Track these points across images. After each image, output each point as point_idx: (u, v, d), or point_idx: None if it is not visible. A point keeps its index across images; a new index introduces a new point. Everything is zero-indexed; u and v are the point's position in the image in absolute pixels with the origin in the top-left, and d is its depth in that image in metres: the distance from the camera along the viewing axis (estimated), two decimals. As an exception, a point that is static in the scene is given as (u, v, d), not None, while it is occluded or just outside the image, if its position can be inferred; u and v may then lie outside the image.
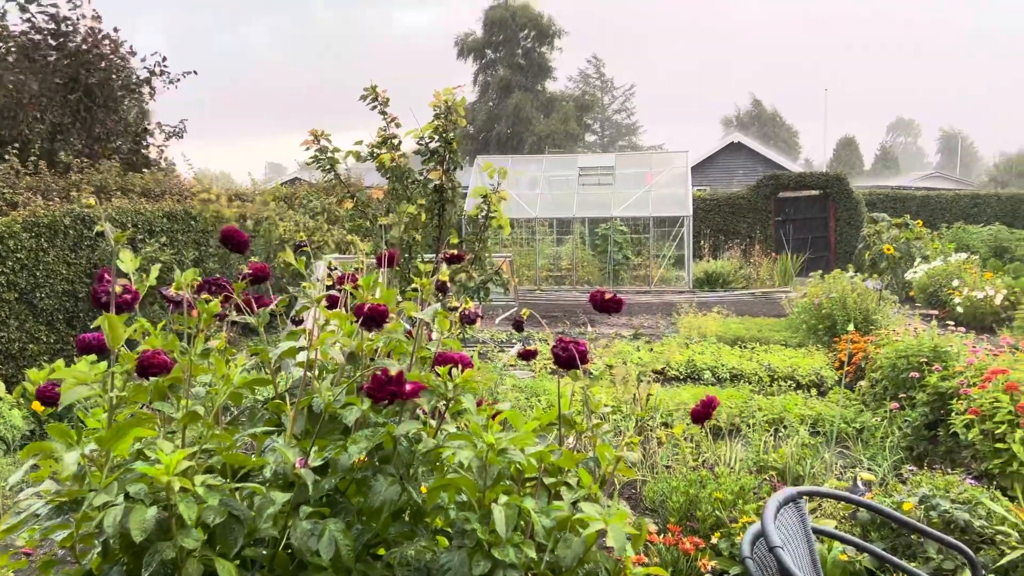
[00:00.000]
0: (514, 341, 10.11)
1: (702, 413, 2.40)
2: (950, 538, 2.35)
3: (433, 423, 2.10)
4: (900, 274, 14.15)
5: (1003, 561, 2.96)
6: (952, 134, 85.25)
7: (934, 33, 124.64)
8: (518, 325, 2.62)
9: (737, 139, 32.12)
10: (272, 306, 2.28)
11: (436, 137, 4.62)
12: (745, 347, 9.27)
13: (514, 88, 44.89)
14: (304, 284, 2.25)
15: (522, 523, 1.92)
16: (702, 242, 20.48)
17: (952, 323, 9.85)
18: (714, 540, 3.71)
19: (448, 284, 2.45)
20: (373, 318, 1.91)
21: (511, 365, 7.34)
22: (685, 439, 5.33)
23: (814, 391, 7.20)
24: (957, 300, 11.53)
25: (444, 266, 2.59)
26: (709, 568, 3.50)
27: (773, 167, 28.84)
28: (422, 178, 4.68)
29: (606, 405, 2.47)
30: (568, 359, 2.29)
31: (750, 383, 7.48)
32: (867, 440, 5.62)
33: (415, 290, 2.31)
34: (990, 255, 16.08)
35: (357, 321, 1.95)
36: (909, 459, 5.29)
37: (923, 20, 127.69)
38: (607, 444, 2.28)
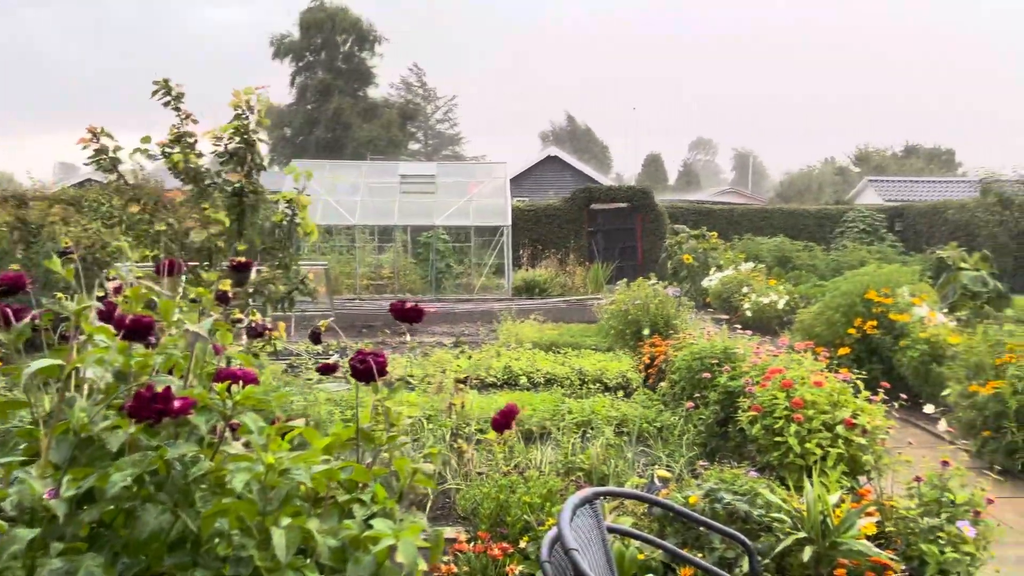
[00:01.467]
0: (331, 352, 9.81)
1: (502, 422, 2.41)
2: (728, 528, 2.50)
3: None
4: (698, 281, 15.28)
5: (779, 547, 3.23)
6: (744, 153, 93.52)
7: (729, 56, 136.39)
8: (315, 337, 2.50)
9: (554, 153, 33.35)
10: (28, 320, 2.02)
11: (236, 138, 4.37)
12: (559, 352, 9.57)
13: (334, 92, 43.84)
14: (65, 297, 2.01)
15: (311, 546, 1.82)
16: (521, 251, 21.02)
17: (740, 327, 10.74)
18: (522, 544, 3.76)
19: (231, 294, 2.30)
20: (137, 331, 1.74)
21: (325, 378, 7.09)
22: (501, 444, 5.39)
23: (620, 393, 7.56)
24: (746, 305, 12.60)
25: (257, 274, 2.42)
26: (516, 572, 3.54)
27: (586, 180, 30.21)
28: (221, 181, 4.40)
29: (409, 417, 2.42)
30: (365, 371, 2.21)
31: (563, 387, 7.72)
32: (666, 438, 5.96)
33: (194, 301, 2.13)
34: (775, 264, 17.74)
35: (119, 335, 1.77)
36: (703, 455, 5.67)
37: (720, 43, 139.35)
38: (405, 457, 2.22)
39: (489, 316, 13.99)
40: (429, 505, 4.79)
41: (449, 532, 4.37)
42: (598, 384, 7.83)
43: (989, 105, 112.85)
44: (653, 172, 68.93)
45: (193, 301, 2.18)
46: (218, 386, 1.80)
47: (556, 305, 16.66)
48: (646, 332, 8.03)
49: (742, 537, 2.48)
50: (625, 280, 11.64)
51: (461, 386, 5.70)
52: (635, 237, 22.38)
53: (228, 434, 1.93)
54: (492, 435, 5.15)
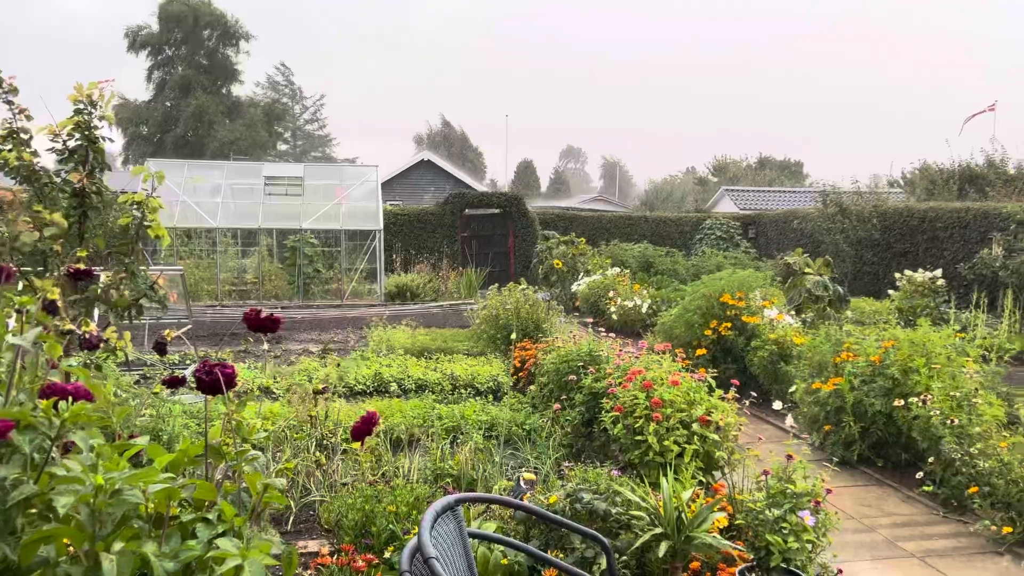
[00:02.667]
0: (188, 362, 9.32)
1: (362, 429, 2.36)
2: (585, 528, 2.56)
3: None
4: (567, 286, 15.63)
5: (637, 543, 3.34)
6: (612, 162, 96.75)
7: (600, 67, 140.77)
8: (160, 347, 2.36)
9: (428, 157, 33.23)
10: None
11: (77, 134, 4.07)
12: (432, 358, 9.52)
13: (195, 89, 41.81)
14: None
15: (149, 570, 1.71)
16: (394, 256, 20.80)
17: (607, 330, 11.08)
18: (387, 555, 3.70)
19: (71, 302, 2.13)
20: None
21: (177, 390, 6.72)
22: (368, 453, 5.29)
23: (491, 397, 7.60)
24: (613, 309, 13.01)
25: (100, 281, 2.24)
26: (382, 584, 3.47)
27: (461, 185, 30.32)
28: (60, 181, 4.09)
29: (265, 430, 2.33)
30: (212, 383, 2.11)
31: (434, 393, 7.68)
32: (535, 440, 6.05)
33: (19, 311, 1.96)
34: (640, 269, 18.41)
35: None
36: (570, 455, 5.79)
37: (591, 55, 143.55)
38: (258, 472, 2.13)
39: (360, 322, 13.74)
40: (291, 519, 4.63)
41: (312, 546, 4.24)
42: (469, 389, 7.84)
43: (836, 122, 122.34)
44: (526, 179, 70.02)
45: (18, 311, 2.00)
46: (43, 403, 1.66)
47: (429, 310, 16.59)
48: (514, 336, 8.12)
49: (597, 535, 2.54)
50: (497, 285, 11.73)
51: (326, 395, 5.55)
52: (508, 243, 22.64)
53: (55, 454, 1.78)
54: (357, 444, 5.04)
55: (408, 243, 21.49)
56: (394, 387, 7.96)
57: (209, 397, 2.17)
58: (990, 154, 21.27)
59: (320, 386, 5.18)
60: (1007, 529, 4.61)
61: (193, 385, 2.18)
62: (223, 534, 1.88)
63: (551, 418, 6.29)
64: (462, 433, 6.11)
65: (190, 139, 41.13)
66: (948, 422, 5.38)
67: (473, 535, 2.71)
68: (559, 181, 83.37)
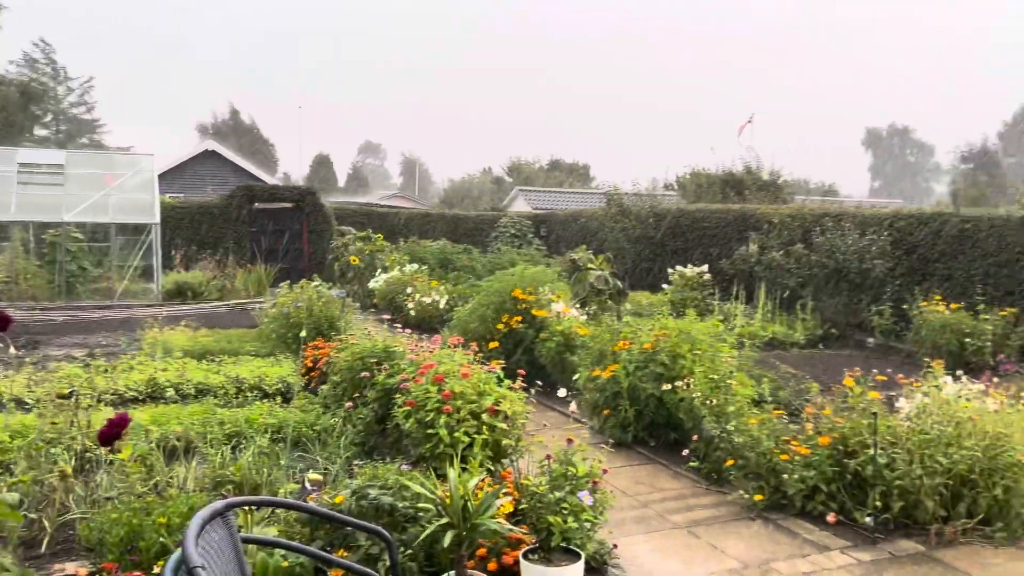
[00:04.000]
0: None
1: (110, 433, 2.16)
2: (368, 524, 2.53)
3: None
4: (365, 283, 15.40)
5: (423, 535, 3.34)
6: (412, 159, 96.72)
7: (402, 59, 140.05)
8: None
9: (212, 147, 31.31)
10: None
11: None
12: (215, 360, 8.96)
13: (-71, 61, 36.51)
14: None
15: None
16: (174, 252, 19.36)
17: (404, 326, 11.04)
18: (156, 569, 3.42)
19: None
20: None
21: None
22: (136, 463, 4.86)
23: (280, 399, 7.30)
24: (411, 305, 13.00)
25: None
26: (149, 603, 3.21)
27: (250, 178, 28.85)
28: None
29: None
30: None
31: (216, 397, 7.24)
32: (326, 441, 5.88)
33: None
34: (438, 265, 18.54)
35: None
36: (363, 454, 5.70)
37: (389, 51, 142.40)
38: (-16, 488, 1.88)
39: (134, 324, 12.62)
40: (46, 541, 4.15)
41: (71, 568, 3.83)
42: (256, 391, 7.48)
43: (617, 128, 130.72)
44: (322, 174, 68.08)
45: None
46: None
47: (214, 310, 15.63)
48: (303, 335, 7.86)
49: (380, 530, 2.52)
50: (288, 282, 11.30)
51: (83, 402, 5.04)
52: (301, 238, 21.88)
53: None
54: (126, 453, 4.63)
55: (190, 238, 20.11)
56: (171, 392, 7.40)
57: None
58: (747, 162, 23.77)
59: (66, 390, 4.68)
60: (758, 497, 5.16)
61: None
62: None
63: (344, 417, 6.15)
64: (246, 438, 5.80)
65: (-77, 118, 35.74)
66: (708, 403, 5.93)
67: (249, 540, 2.57)
68: (357, 177, 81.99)
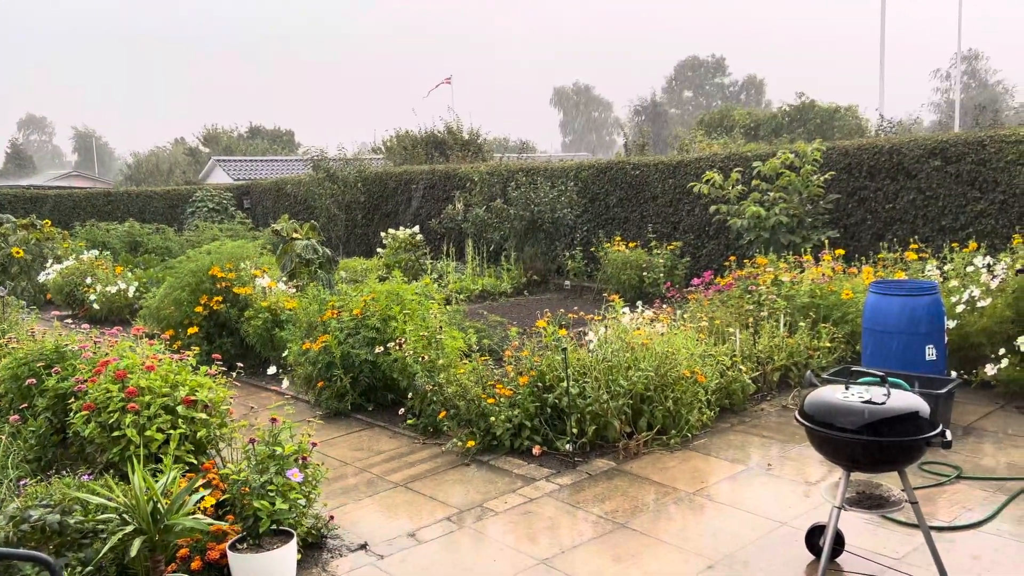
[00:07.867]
0: None
1: None
2: (21, 552, 2.19)
3: None
4: (34, 277, 13.44)
5: (104, 549, 2.99)
6: (87, 134, 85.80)
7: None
8: None
9: None
10: None
11: None
12: None
13: None
14: None
15: None
16: None
17: (87, 321, 9.83)
18: None
19: None
20: None
21: None
22: None
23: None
24: (93, 297, 11.60)
25: None
26: None
27: None
28: None
29: None
30: None
31: None
32: (-10, 464, 5.05)
33: None
34: (126, 249, 16.74)
35: None
36: (39, 470, 4.99)
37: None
38: None
39: None
40: None
41: None
42: None
43: (324, 91, 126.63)
44: (-30, 154, 57.85)
45: None
46: None
47: None
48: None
49: (40, 556, 2.19)
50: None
51: None
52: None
53: None
54: None
55: None
56: None
57: None
58: (448, 122, 24.35)
59: None
60: (471, 443, 5.38)
61: None
62: None
63: (11, 432, 5.32)
64: None
65: None
66: (420, 359, 6.04)
67: None
68: (20, 156, 71.11)
